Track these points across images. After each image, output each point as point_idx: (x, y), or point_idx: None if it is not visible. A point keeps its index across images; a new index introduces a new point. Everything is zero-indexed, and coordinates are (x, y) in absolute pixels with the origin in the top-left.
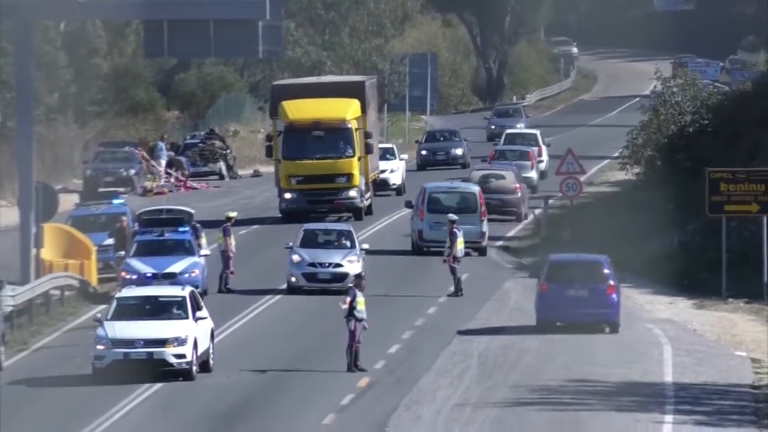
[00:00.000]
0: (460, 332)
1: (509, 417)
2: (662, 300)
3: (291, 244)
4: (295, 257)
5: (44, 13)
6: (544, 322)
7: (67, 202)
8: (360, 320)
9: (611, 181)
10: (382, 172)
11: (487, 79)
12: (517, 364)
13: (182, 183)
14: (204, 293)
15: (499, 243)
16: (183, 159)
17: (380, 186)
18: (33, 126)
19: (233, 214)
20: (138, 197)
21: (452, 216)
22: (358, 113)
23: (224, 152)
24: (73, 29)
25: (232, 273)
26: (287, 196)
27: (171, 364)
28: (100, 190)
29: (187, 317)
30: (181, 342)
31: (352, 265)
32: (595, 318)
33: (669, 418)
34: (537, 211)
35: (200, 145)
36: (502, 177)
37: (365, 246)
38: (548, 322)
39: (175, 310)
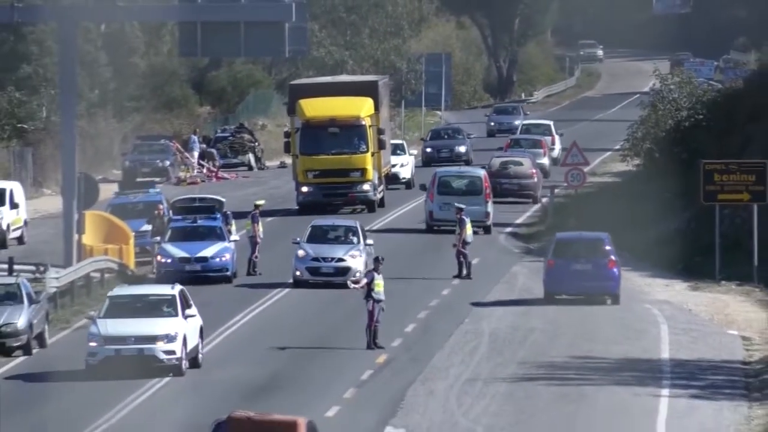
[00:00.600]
0: (474, 303)
1: (518, 391)
2: (660, 282)
3: (298, 239)
4: (300, 252)
5: (86, 16)
6: (552, 294)
7: (107, 191)
8: (378, 301)
9: (613, 172)
10: (393, 166)
11: (498, 77)
12: (524, 342)
13: (213, 173)
14: (234, 276)
15: (508, 229)
16: (214, 151)
17: (391, 180)
18: (75, 120)
19: (261, 203)
20: (172, 186)
21: (459, 204)
22: (372, 111)
23: (253, 145)
24: (113, 30)
25: (256, 257)
26: (304, 189)
27: (161, 360)
28: (138, 180)
29: (176, 315)
30: (170, 339)
31: (354, 259)
32: (597, 290)
33: (666, 392)
34: (544, 200)
35: (230, 138)
36: (520, 164)
37: (370, 242)
38: (555, 293)
39: (165, 308)
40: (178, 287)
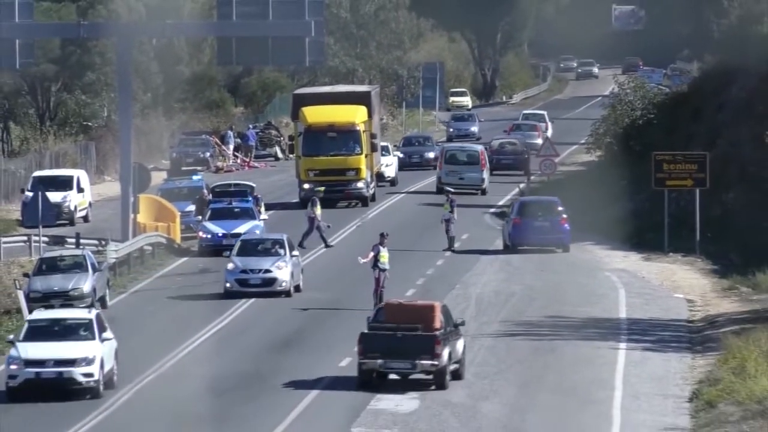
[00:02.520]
0: (463, 272)
1: (500, 345)
2: (617, 254)
3: (229, 253)
4: (230, 265)
5: (141, 31)
6: (516, 245)
7: (158, 177)
8: (383, 270)
9: (579, 162)
10: (382, 166)
11: (483, 83)
12: (505, 304)
13: (246, 163)
14: None
15: (492, 210)
16: (251, 143)
17: (377, 178)
18: (131, 119)
19: (321, 189)
20: (212, 174)
21: (449, 189)
22: (365, 118)
23: (279, 139)
24: (163, 43)
25: (307, 236)
26: (306, 186)
27: (80, 383)
28: (183, 168)
29: (93, 338)
30: (89, 362)
31: (281, 270)
32: (553, 242)
33: (623, 345)
34: (521, 185)
35: (260, 133)
36: (515, 144)
37: (296, 253)
38: (519, 245)
39: (82, 332)
40: (94, 311)
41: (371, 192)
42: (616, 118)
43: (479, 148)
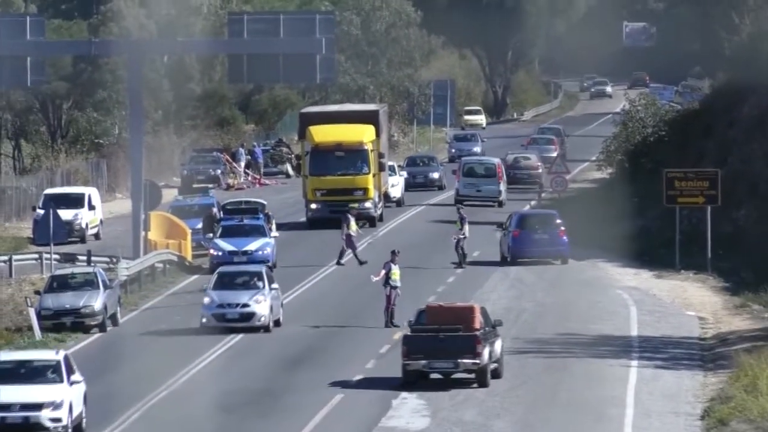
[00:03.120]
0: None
1: (512, 361)
2: (629, 271)
3: (205, 286)
4: (206, 299)
5: (151, 49)
6: (516, 257)
7: (169, 195)
8: (394, 287)
9: (590, 179)
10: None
11: (494, 100)
12: (517, 321)
13: (257, 180)
14: (273, 266)
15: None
16: (259, 160)
17: (383, 198)
18: (142, 136)
19: (355, 205)
20: (223, 191)
21: (460, 206)
22: (373, 137)
23: (290, 156)
24: (174, 61)
25: (345, 252)
26: (313, 206)
27: (47, 428)
28: (194, 185)
29: (61, 381)
30: (56, 406)
31: (259, 305)
32: (552, 254)
33: (635, 363)
34: (532, 203)
35: (271, 151)
36: (528, 158)
37: (275, 286)
38: (519, 257)
39: (50, 374)
40: (62, 353)
41: (379, 212)
42: (627, 136)
43: (496, 161)
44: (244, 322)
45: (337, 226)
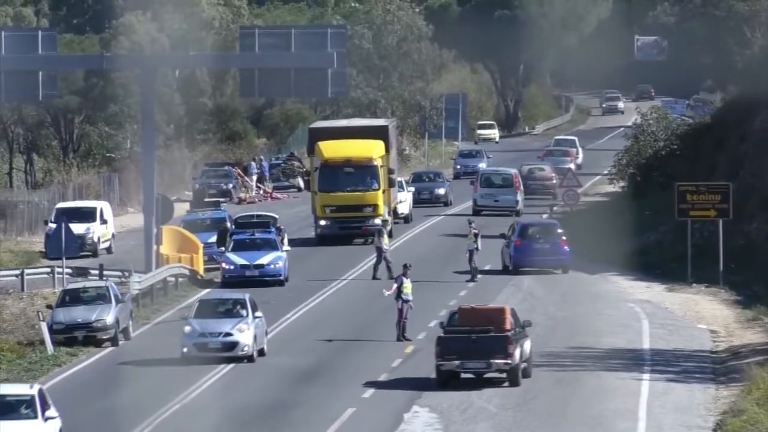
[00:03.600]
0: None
1: None
2: (641, 285)
3: (187, 315)
4: (187, 328)
5: (163, 63)
6: (518, 266)
7: (180, 209)
8: (406, 301)
9: (602, 193)
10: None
11: (506, 114)
12: (528, 334)
13: (268, 194)
14: (285, 280)
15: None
16: (266, 174)
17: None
18: (154, 150)
19: (388, 218)
20: (235, 205)
21: (470, 218)
22: (383, 152)
23: (301, 170)
24: (186, 75)
25: (387, 268)
26: (322, 223)
27: None
28: (206, 200)
29: (36, 417)
30: None
31: (243, 333)
32: (553, 263)
33: (647, 376)
34: (544, 216)
35: (283, 165)
36: (543, 169)
37: (259, 314)
38: (521, 266)
39: (23, 410)
40: (36, 387)
41: (388, 228)
42: (639, 149)
43: (513, 171)
44: (226, 352)
45: (347, 243)
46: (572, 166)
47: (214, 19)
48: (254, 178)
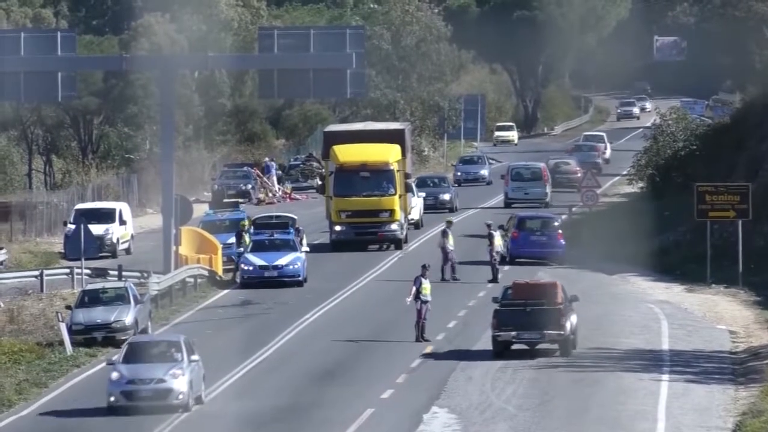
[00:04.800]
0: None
1: (542, 376)
2: (660, 285)
3: (114, 358)
4: (114, 374)
5: (183, 64)
6: (515, 257)
7: (199, 210)
8: (425, 302)
9: (621, 193)
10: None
11: (524, 115)
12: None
13: (288, 195)
14: (304, 281)
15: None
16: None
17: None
18: (173, 151)
19: (452, 219)
20: (253, 206)
21: (488, 221)
22: (399, 157)
23: (320, 171)
24: (205, 76)
25: (451, 268)
26: (337, 228)
27: None
28: (225, 200)
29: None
30: None
31: (177, 379)
32: (549, 255)
33: (666, 377)
34: (563, 217)
35: (301, 165)
36: (568, 163)
37: (195, 357)
38: (518, 257)
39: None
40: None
41: (405, 234)
42: (658, 150)
43: (542, 165)
44: (159, 401)
45: (362, 249)
46: (599, 160)
47: (233, 20)
48: (274, 178)
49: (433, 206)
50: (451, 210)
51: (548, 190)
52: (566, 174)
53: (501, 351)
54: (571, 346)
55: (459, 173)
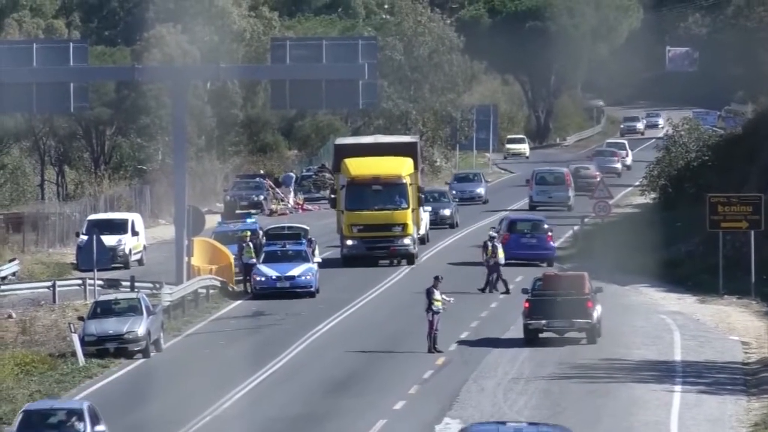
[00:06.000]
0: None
1: (554, 387)
2: (672, 296)
3: (6, 429)
4: None
5: (195, 75)
6: (506, 258)
7: (212, 221)
8: (437, 313)
9: (633, 204)
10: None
11: (536, 125)
12: (559, 346)
13: (300, 206)
14: (316, 292)
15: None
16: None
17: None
18: (185, 162)
19: (494, 234)
20: (266, 217)
21: (491, 233)
22: (412, 170)
23: (332, 182)
24: (217, 87)
25: (500, 280)
26: (349, 242)
27: None
28: (237, 211)
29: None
30: None
31: None
32: (540, 256)
33: (678, 388)
34: (575, 228)
35: (314, 176)
36: (588, 168)
37: (101, 428)
38: (509, 258)
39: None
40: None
41: (417, 249)
42: (670, 160)
43: (565, 170)
44: None
45: (374, 264)
46: (618, 165)
47: (245, 31)
48: (292, 188)
49: (433, 221)
50: (452, 226)
51: (571, 193)
52: (586, 178)
53: (532, 338)
54: (597, 334)
55: (454, 191)
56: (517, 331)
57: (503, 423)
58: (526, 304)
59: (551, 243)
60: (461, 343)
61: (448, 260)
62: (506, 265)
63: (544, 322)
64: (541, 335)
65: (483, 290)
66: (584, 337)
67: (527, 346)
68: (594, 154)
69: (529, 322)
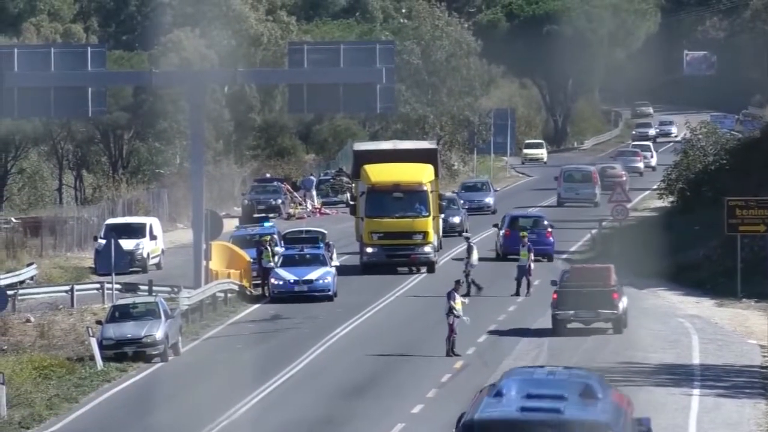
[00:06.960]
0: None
1: None
2: (690, 300)
3: None
4: None
5: (212, 79)
6: (506, 254)
7: (230, 225)
8: (457, 317)
9: (651, 208)
10: None
11: (554, 129)
12: (577, 349)
13: (318, 210)
14: (334, 295)
15: (564, 256)
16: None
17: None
18: (203, 166)
19: (524, 234)
20: (284, 221)
21: (466, 234)
22: (432, 177)
23: (350, 186)
24: (234, 91)
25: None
26: (369, 250)
27: None
28: (255, 215)
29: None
30: None
31: None
32: (539, 252)
33: (696, 391)
34: (593, 231)
35: (331, 180)
36: (613, 168)
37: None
38: (509, 254)
39: None
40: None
41: (437, 257)
42: (688, 164)
43: (592, 168)
44: None
45: (393, 272)
46: (641, 164)
47: (263, 35)
48: (314, 192)
49: (443, 229)
50: (461, 233)
51: (597, 191)
52: (612, 177)
53: (561, 329)
54: (622, 325)
55: (462, 201)
56: (534, 334)
57: (541, 366)
58: (554, 296)
59: (550, 239)
60: (491, 333)
61: (481, 254)
62: (509, 259)
63: (571, 312)
64: (568, 325)
65: (526, 294)
66: (610, 327)
67: (553, 336)
68: (617, 154)
69: (557, 312)
